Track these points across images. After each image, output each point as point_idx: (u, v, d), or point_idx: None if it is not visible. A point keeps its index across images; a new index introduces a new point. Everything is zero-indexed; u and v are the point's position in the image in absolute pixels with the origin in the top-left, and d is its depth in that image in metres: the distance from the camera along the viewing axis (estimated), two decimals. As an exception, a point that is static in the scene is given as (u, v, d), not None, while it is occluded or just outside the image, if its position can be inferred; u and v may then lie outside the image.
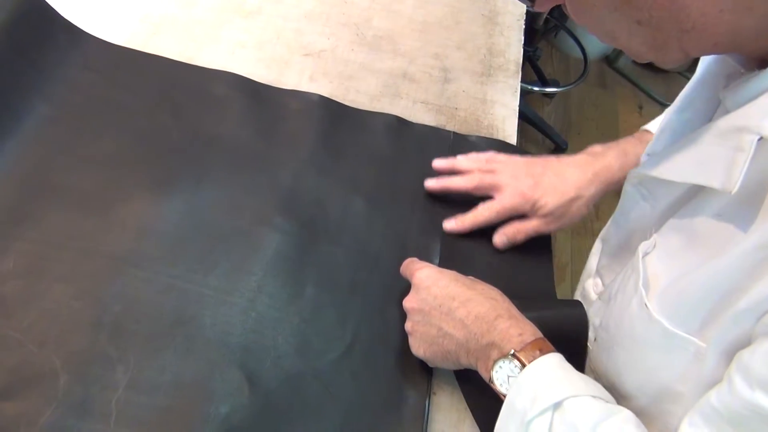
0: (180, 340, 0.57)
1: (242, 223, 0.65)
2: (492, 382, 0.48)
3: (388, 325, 0.62)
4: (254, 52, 0.82)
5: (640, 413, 0.50)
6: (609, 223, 0.63)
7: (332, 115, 0.77)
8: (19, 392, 0.52)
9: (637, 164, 0.68)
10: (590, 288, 0.66)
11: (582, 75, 2.15)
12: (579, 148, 0.72)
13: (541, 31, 2.00)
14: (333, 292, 0.63)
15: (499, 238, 0.68)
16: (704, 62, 0.51)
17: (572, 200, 0.66)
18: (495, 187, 0.68)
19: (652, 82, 2.58)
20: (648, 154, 0.56)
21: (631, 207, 0.57)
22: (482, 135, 0.80)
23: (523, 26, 0.96)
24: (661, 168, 0.49)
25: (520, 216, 0.68)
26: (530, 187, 0.67)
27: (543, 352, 0.47)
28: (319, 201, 0.69)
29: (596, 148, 0.71)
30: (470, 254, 0.69)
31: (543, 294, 0.69)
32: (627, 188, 0.57)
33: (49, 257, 0.59)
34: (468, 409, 0.58)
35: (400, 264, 0.66)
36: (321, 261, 0.65)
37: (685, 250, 0.46)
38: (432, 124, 0.80)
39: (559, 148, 2.13)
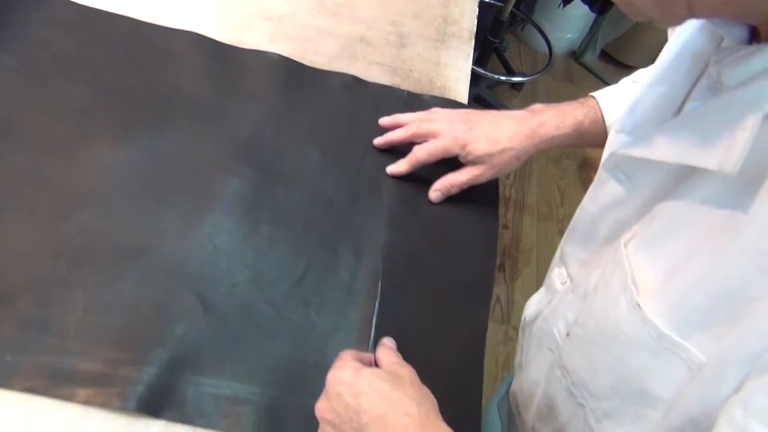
0: (137, 269, 0.59)
1: (201, 167, 0.69)
2: None
3: (339, 261, 0.65)
4: (217, 17, 0.86)
5: (610, 414, 0.50)
6: (577, 211, 0.59)
7: (291, 73, 0.81)
8: (-20, 311, 0.54)
9: (577, 125, 0.70)
10: (555, 278, 0.63)
11: (547, 65, 2.21)
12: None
13: (508, 23, 2.05)
14: (287, 230, 0.66)
15: (433, 193, 0.72)
16: (681, 35, 0.48)
17: (503, 150, 0.69)
18: (431, 134, 0.71)
19: (616, 77, 2.66)
20: (619, 131, 0.50)
21: (605, 193, 0.52)
22: (435, 95, 0.84)
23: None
24: (648, 148, 0.45)
25: (454, 169, 0.71)
26: (464, 131, 0.69)
27: None
28: (276, 150, 0.73)
29: (536, 106, 0.73)
30: (416, 202, 0.73)
31: (485, 244, 0.72)
32: (601, 173, 0.52)
33: (11, 192, 0.61)
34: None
35: (352, 206, 0.70)
36: (276, 202, 0.68)
37: (673, 239, 0.43)
38: (387, 84, 0.84)
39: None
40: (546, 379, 0.62)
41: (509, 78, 2.16)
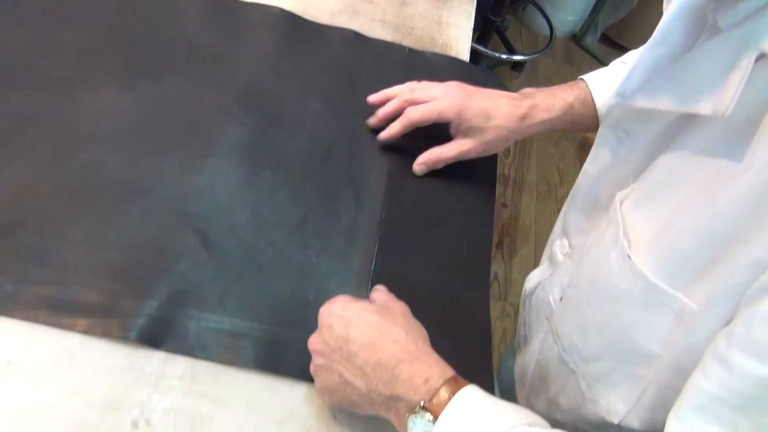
0: (138, 208, 0.59)
1: (201, 113, 0.69)
2: None
3: (339, 207, 0.66)
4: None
5: (602, 378, 0.50)
6: (579, 176, 0.58)
7: (292, 27, 0.81)
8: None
9: (567, 108, 0.67)
10: (557, 249, 0.63)
11: (548, 45, 2.21)
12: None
13: (509, 2, 2.04)
14: (287, 176, 0.66)
15: (418, 167, 0.69)
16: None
17: (496, 127, 0.65)
18: (425, 100, 0.67)
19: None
20: (619, 94, 0.50)
21: (606, 153, 0.52)
22: (436, 52, 0.84)
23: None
24: (644, 98, 0.45)
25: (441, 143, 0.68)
26: (461, 97, 0.66)
27: (454, 391, 0.42)
28: (276, 99, 0.73)
29: (527, 90, 0.70)
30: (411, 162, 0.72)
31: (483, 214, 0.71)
32: (602, 131, 0.53)
33: (13, 129, 0.61)
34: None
35: (352, 155, 0.70)
36: (276, 149, 0.68)
37: (669, 192, 0.43)
38: (388, 40, 0.84)
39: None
40: (539, 349, 0.62)
41: (510, 57, 2.16)
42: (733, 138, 0.38)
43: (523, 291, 0.71)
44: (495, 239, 1.93)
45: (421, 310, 0.52)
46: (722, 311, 0.37)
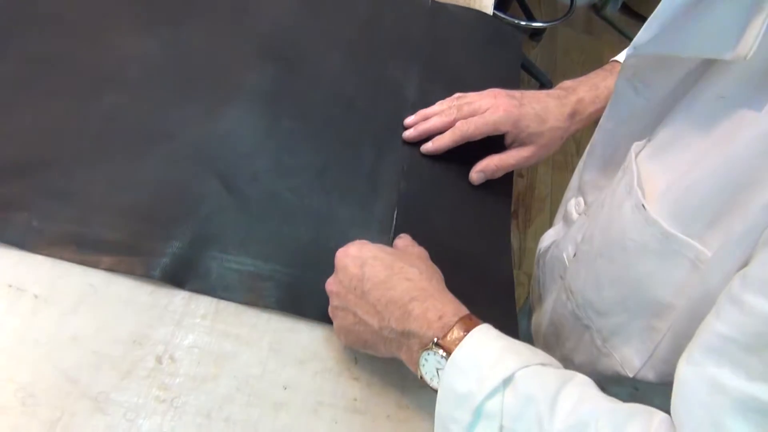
0: (161, 152, 0.59)
1: (224, 61, 0.68)
2: (422, 378, 0.43)
3: (361, 156, 0.65)
4: None
5: (617, 331, 0.50)
6: (594, 133, 0.57)
7: (314, -23, 0.80)
8: (8, 180, 0.54)
9: (610, 95, 0.62)
10: (572, 208, 0.62)
11: (568, 12, 2.17)
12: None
13: (529, -32, 2.01)
14: (308, 125, 0.66)
15: (476, 174, 0.65)
16: None
17: (551, 129, 0.63)
18: (477, 112, 0.64)
19: (636, 31, 2.60)
20: (635, 45, 0.47)
21: (623, 106, 0.51)
22: (459, 5, 0.83)
23: None
24: (663, 45, 0.43)
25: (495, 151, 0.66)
26: (514, 105, 0.63)
27: (468, 329, 0.42)
28: (299, 49, 0.72)
29: (567, 83, 0.67)
30: None
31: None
32: (619, 84, 0.51)
33: (38, 73, 0.62)
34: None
35: (373, 107, 0.69)
36: (297, 98, 0.68)
37: (686, 141, 0.42)
38: (411, -7, 0.82)
39: (543, 87, 2.16)
40: (552, 307, 0.62)
41: (529, 23, 2.12)
42: (752, 83, 0.37)
43: (537, 251, 0.71)
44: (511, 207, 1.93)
45: (444, 260, 0.52)
46: (737, 256, 0.36)
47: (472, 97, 0.65)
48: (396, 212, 0.61)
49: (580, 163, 0.63)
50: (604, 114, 0.55)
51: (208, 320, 0.51)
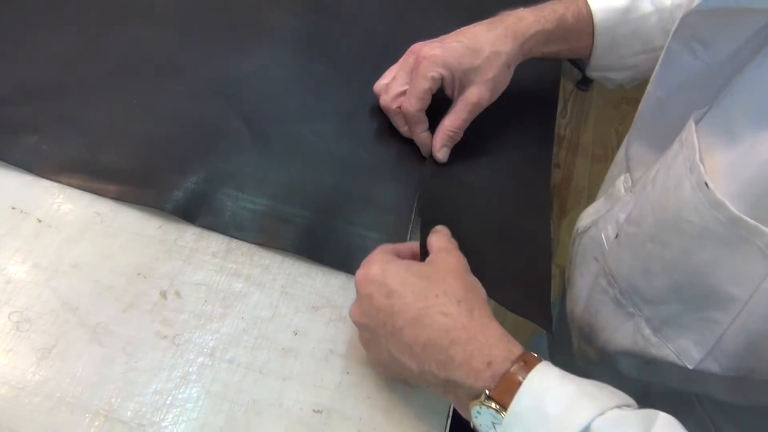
0: (182, 85, 0.57)
1: (257, 1, 0.65)
2: (476, 428, 0.37)
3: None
4: None
5: (670, 321, 0.45)
6: (642, 102, 0.50)
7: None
8: (20, 102, 0.52)
9: (559, 19, 0.56)
10: (621, 184, 0.55)
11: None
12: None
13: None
14: (338, 70, 0.63)
15: (440, 153, 0.56)
16: None
17: (490, 57, 0.54)
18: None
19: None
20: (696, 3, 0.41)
21: (677, 71, 0.44)
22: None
23: None
24: None
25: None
26: (435, 47, 0.54)
27: (524, 375, 0.35)
28: (332, -7, 0.69)
29: (504, 12, 0.58)
30: None
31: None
32: (672, 45, 0.44)
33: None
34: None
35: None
36: (330, 42, 0.65)
37: (755, 110, 0.37)
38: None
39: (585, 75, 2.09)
40: (588, 293, 0.57)
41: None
42: None
43: (575, 230, 0.65)
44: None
45: (477, 223, 0.48)
46: None
47: (389, 70, 0.58)
48: (427, 165, 0.57)
49: (627, 137, 0.55)
50: (652, 80, 0.47)
51: (218, 258, 0.48)
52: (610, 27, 0.56)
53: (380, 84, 0.58)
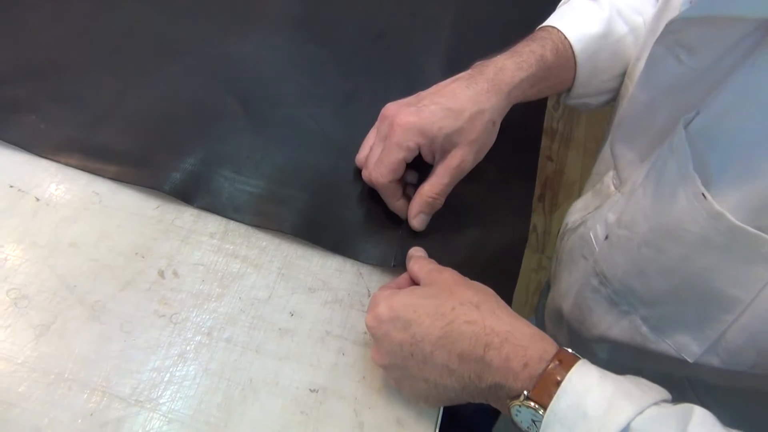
0: (179, 66, 0.57)
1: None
2: (517, 426, 0.38)
3: (389, 90, 0.61)
4: None
5: (668, 319, 0.45)
6: (624, 104, 0.49)
7: None
8: (18, 81, 0.52)
9: (539, 60, 0.53)
10: (610, 180, 0.54)
11: None
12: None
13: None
14: (336, 54, 0.63)
15: (416, 220, 0.51)
16: None
17: (474, 116, 0.50)
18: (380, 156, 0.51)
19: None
20: (681, 9, 0.40)
21: (662, 75, 0.43)
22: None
23: None
24: (714, 4, 0.37)
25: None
26: (411, 113, 0.50)
27: (561, 374, 0.35)
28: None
29: (479, 62, 0.55)
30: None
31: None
32: (656, 51, 0.43)
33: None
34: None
35: (405, 38, 0.66)
36: (327, 25, 0.65)
37: (748, 115, 0.36)
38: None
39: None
40: (578, 290, 0.57)
41: None
42: None
43: (563, 225, 0.64)
44: (537, 192, 1.87)
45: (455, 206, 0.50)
46: None
47: (366, 139, 0.54)
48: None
49: (610, 136, 0.54)
50: (636, 83, 0.47)
51: (216, 239, 0.48)
52: (591, 55, 0.55)
53: (360, 157, 0.54)
